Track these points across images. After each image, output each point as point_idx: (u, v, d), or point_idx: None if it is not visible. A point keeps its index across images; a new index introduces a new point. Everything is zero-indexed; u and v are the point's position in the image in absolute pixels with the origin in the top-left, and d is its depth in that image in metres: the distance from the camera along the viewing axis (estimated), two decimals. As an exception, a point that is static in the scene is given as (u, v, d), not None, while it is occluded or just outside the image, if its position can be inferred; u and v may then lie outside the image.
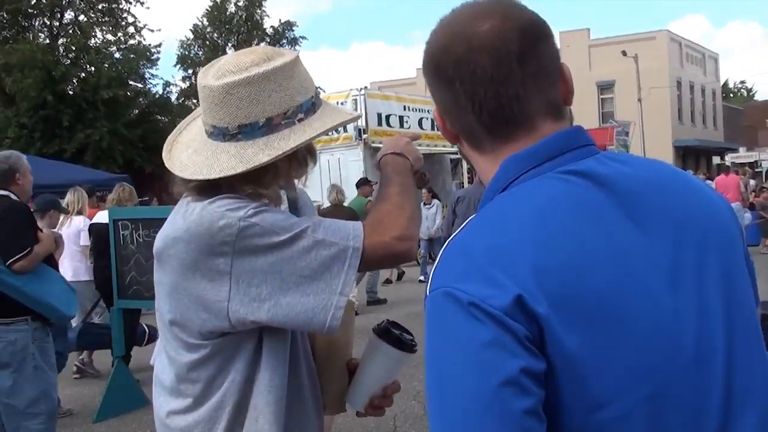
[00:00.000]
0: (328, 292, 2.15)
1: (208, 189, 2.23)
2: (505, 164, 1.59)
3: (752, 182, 25.71)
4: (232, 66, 2.22)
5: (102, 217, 10.26)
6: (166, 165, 2.32)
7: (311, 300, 2.14)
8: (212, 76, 2.23)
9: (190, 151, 2.30)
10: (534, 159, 1.57)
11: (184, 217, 2.21)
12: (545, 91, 1.60)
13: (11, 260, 5.96)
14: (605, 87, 52.08)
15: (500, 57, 1.54)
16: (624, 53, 44.92)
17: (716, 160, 51.00)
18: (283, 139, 2.20)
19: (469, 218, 1.57)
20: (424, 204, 18.86)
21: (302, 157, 2.34)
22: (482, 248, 1.45)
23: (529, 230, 1.45)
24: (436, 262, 1.51)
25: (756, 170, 38.23)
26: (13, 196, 6.24)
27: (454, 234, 1.55)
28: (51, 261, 6.56)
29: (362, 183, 16.80)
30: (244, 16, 55.76)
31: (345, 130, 22.79)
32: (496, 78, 1.55)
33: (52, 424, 6.22)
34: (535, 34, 1.59)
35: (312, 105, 2.29)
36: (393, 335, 2.37)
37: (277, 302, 2.13)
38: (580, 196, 1.50)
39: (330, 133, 22.92)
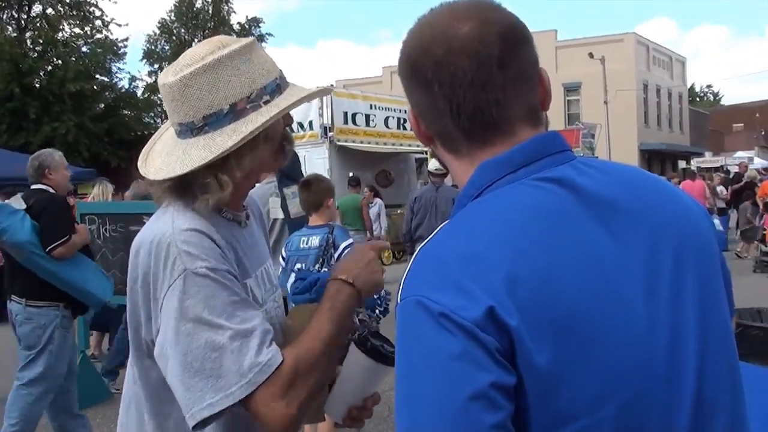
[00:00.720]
0: (198, 396, 1.97)
1: (180, 188, 2.19)
2: (480, 169, 1.57)
3: (720, 188, 25.71)
4: (187, 59, 2.17)
5: None
6: (143, 174, 2.25)
7: (183, 394, 1.99)
8: (170, 73, 2.18)
9: (163, 156, 2.24)
10: (509, 165, 1.54)
11: (157, 225, 2.16)
12: (524, 96, 1.57)
13: (51, 247, 6.36)
14: (571, 89, 51.95)
15: (481, 60, 1.51)
16: (591, 55, 44.86)
17: (682, 164, 51.44)
18: (250, 122, 2.14)
19: (442, 224, 1.55)
20: (369, 204, 18.70)
21: (279, 144, 2.28)
22: (454, 256, 1.42)
23: (501, 239, 1.42)
24: (408, 267, 1.48)
25: (727, 175, 38.40)
26: (50, 189, 6.68)
27: (426, 240, 1.52)
28: (86, 251, 6.96)
29: (354, 183, 17.02)
30: (210, 12, 55.71)
31: (311, 128, 22.85)
32: (476, 82, 1.52)
33: (40, 406, 6.59)
34: (515, 38, 1.56)
35: (277, 86, 2.22)
36: (371, 346, 2.27)
37: (171, 368, 2.02)
38: (554, 204, 1.47)
39: (296, 131, 23.04)
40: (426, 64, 1.55)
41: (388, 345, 2.30)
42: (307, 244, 6.20)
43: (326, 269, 5.82)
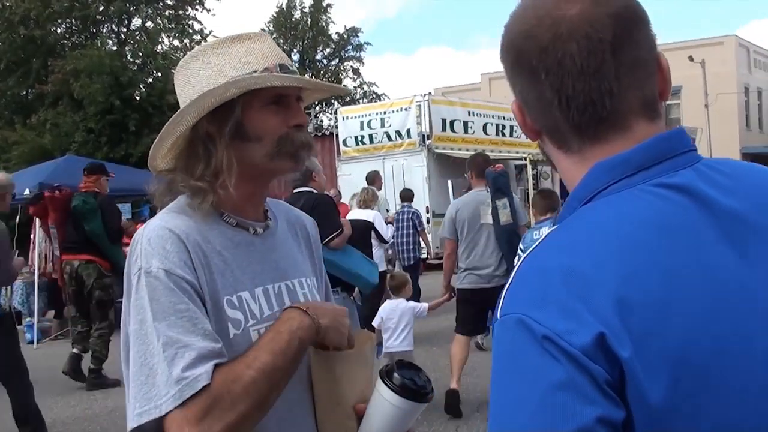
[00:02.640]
0: (132, 404, 1.89)
1: (169, 183, 2.18)
2: (594, 171, 1.42)
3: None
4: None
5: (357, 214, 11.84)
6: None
7: (130, 397, 1.91)
8: None
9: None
10: (627, 167, 1.40)
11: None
12: (641, 85, 1.42)
13: (328, 239, 7.08)
14: (672, 93, 50.23)
15: (591, 46, 1.37)
16: (691, 58, 44.30)
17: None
18: (196, 100, 2.09)
19: (548, 231, 1.44)
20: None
21: (276, 145, 2.12)
22: (561, 271, 1.29)
23: (614, 256, 1.28)
24: (511, 280, 1.36)
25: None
26: (314, 191, 7.66)
27: (530, 249, 1.40)
28: (350, 241, 8.01)
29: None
30: (309, 22, 56.24)
31: (409, 136, 22.85)
32: (587, 70, 1.38)
33: None
34: (630, 20, 1.41)
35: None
36: (400, 381, 2.03)
37: (129, 368, 1.95)
38: (674, 217, 1.32)
39: (394, 139, 23.08)
40: (530, 50, 1.42)
41: (420, 377, 2.09)
42: (539, 234, 7.87)
43: None
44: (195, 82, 2.12)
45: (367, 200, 12.53)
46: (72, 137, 35.14)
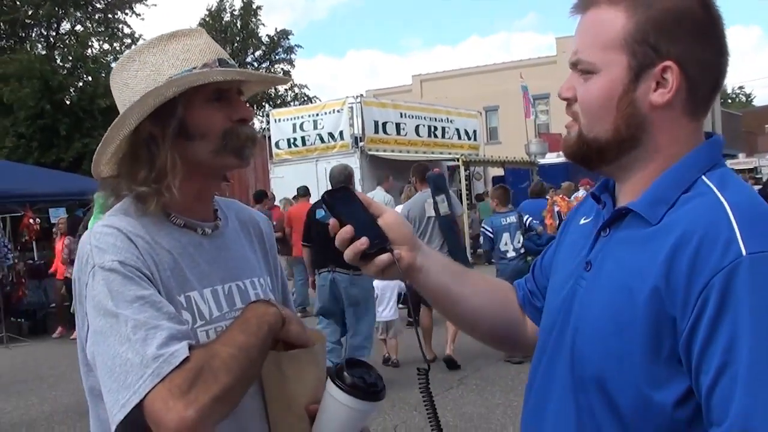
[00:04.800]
0: (114, 397, 1.83)
1: (115, 189, 2.16)
2: (715, 145, 1.70)
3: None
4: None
5: None
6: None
7: (105, 398, 1.85)
8: None
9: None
10: (721, 149, 1.71)
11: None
12: None
13: None
14: (541, 98, 51.21)
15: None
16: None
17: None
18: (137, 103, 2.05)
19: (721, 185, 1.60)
20: None
21: (221, 141, 2.10)
22: None
23: None
24: (741, 219, 1.48)
25: (756, 176, 37.96)
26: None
27: (721, 191, 1.56)
28: None
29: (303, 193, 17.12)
30: (239, 25, 55.91)
31: (342, 138, 22.85)
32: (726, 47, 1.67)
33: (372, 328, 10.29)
34: None
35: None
36: (348, 380, 1.98)
37: (98, 371, 1.91)
38: None
39: (326, 141, 23.08)
40: (707, 16, 1.63)
41: (371, 375, 2.04)
42: (507, 221, 11.79)
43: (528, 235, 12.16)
44: (134, 83, 2.09)
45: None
46: (2, 142, 34.50)
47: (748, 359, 1.38)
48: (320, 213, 9.85)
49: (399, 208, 11.42)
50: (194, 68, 2.06)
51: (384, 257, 1.87)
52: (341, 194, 1.97)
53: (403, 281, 1.99)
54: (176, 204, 2.11)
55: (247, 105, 2.22)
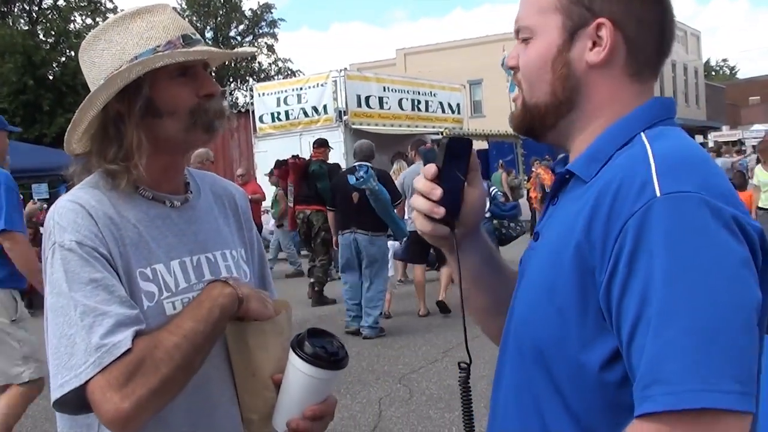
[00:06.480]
0: (56, 376, 1.90)
1: (84, 164, 2.20)
2: (656, 104, 1.65)
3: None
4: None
5: None
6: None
7: (51, 372, 1.93)
8: None
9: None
10: (671, 110, 1.67)
11: None
12: None
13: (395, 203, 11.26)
14: None
15: None
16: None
17: (699, 138, 51.01)
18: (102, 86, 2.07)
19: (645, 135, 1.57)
20: None
21: (190, 117, 2.12)
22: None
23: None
24: (651, 162, 1.45)
25: (741, 149, 37.96)
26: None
27: (650, 139, 1.54)
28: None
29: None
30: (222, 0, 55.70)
31: (326, 112, 22.77)
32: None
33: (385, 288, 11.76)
34: None
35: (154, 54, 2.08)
36: (309, 350, 2.01)
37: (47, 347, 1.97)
38: None
39: (311, 115, 23.02)
40: None
41: (333, 344, 2.07)
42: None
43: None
44: (100, 62, 2.11)
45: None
46: (-16, 118, 34.43)
47: (660, 304, 1.32)
48: (352, 179, 10.98)
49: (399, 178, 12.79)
50: (158, 46, 2.08)
51: (443, 230, 1.85)
52: (461, 145, 1.86)
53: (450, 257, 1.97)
54: (144, 179, 2.12)
55: (213, 78, 2.22)
